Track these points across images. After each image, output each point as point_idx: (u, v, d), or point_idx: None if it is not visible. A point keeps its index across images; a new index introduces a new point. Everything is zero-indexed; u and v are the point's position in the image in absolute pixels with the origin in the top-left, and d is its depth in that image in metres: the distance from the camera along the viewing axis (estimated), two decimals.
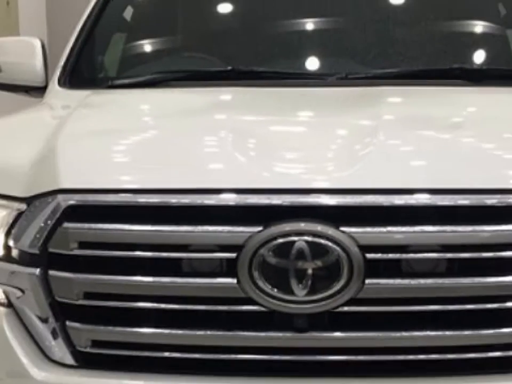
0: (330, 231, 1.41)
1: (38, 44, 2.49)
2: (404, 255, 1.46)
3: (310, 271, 1.41)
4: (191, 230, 1.46)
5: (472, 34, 2.73)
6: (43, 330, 1.51)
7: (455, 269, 1.47)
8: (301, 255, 1.40)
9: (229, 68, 2.42)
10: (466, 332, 1.46)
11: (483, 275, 1.45)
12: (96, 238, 1.49)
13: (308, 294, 1.41)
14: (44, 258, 1.49)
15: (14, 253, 1.53)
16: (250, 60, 2.52)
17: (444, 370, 1.49)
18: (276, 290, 1.42)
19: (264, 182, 1.50)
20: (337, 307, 1.43)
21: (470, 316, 1.47)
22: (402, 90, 2.21)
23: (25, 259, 1.51)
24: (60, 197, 1.50)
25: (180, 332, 1.48)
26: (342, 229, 1.42)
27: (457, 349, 1.47)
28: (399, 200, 1.46)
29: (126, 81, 2.50)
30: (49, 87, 2.45)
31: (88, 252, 1.49)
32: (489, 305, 1.46)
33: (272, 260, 1.41)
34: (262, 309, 1.44)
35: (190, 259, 1.49)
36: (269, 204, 1.46)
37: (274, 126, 1.90)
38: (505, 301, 1.46)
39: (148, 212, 1.50)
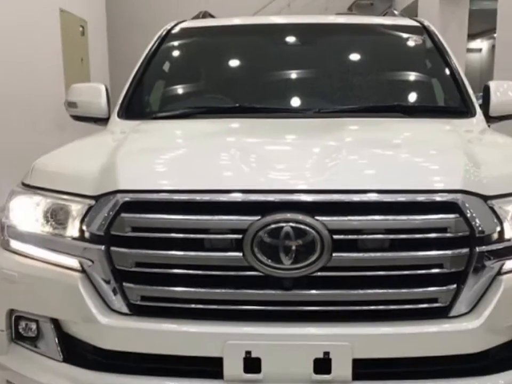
0: (308, 219, 1.42)
1: (103, 88, 2.50)
2: (360, 236, 1.46)
3: (293, 247, 1.41)
4: (210, 219, 1.46)
5: (408, 81, 2.73)
6: (106, 289, 1.51)
7: (396, 246, 1.47)
8: (287, 236, 1.41)
9: (237, 105, 2.43)
10: (403, 290, 1.47)
11: (415, 250, 1.46)
12: (144, 224, 1.49)
13: (292, 263, 1.42)
14: (107, 238, 1.50)
15: (86, 234, 1.53)
16: (251, 99, 2.52)
17: (388, 317, 1.48)
18: (270, 261, 1.42)
19: (262, 184, 1.51)
20: (313, 272, 1.43)
21: (406, 279, 1.47)
22: (359, 120, 2.22)
23: (94, 239, 1.51)
24: (119, 195, 1.51)
25: (202, 290, 1.48)
26: (316, 217, 1.42)
27: (397, 302, 1.48)
28: (356, 197, 1.47)
29: (165, 114, 2.51)
30: (111, 118, 2.45)
31: (138, 234, 1.49)
32: (419, 271, 1.47)
33: (267, 240, 1.42)
34: (260, 274, 1.44)
35: (209, 239, 1.49)
36: (265, 200, 1.46)
37: (268, 146, 1.90)
38: (430, 269, 1.47)
39: (180, 206, 1.50)
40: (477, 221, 1.45)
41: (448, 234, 1.45)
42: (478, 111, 2.40)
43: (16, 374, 1.65)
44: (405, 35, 2.83)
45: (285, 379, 1.46)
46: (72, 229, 1.56)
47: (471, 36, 13.51)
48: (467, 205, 1.46)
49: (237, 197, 1.48)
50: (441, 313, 1.48)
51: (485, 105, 2.45)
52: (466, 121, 2.31)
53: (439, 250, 1.45)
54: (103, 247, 1.50)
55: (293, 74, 2.69)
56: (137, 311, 1.51)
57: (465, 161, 1.61)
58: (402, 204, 1.47)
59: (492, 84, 2.48)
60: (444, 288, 1.47)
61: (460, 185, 1.49)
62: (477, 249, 1.45)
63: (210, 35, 2.93)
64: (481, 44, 16.23)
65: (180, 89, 2.80)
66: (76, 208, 1.57)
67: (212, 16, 3.24)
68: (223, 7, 7.44)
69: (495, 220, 1.48)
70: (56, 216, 1.60)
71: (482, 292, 1.48)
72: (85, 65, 6.40)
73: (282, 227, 1.41)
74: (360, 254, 1.46)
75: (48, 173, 1.73)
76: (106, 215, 1.50)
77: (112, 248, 1.50)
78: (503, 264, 1.49)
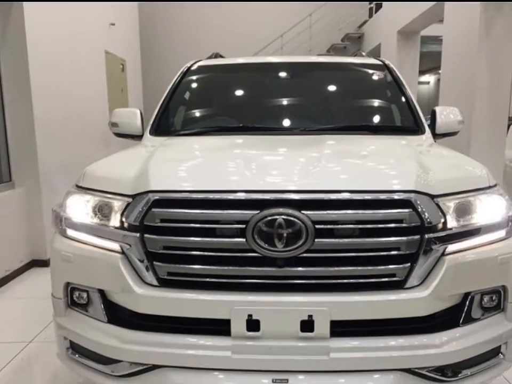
0: (296, 213, 1.42)
1: (138, 112, 2.49)
2: (336, 226, 1.45)
3: (285, 235, 1.41)
4: (220, 212, 1.46)
5: (373, 106, 2.72)
6: (141, 266, 1.51)
7: (364, 233, 1.46)
8: (280, 226, 1.41)
9: (241, 125, 2.42)
10: (369, 267, 1.47)
11: (378, 237, 1.45)
12: (169, 216, 1.49)
13: (284, 247, 1.42)
14: (141, 227, 1.49)
15: (125, 224, 1.52)
16: (252, 120, 2.50)
17: (358, 288, 1.48)
18: (266, 245, 1.42)
19: (260, 186, 1.50)
20: (300, 254, 1.43)
21: (371, 259, 1.47)
22: (335, 137, 2.20)
23: (131, 228, 1.51)
24: (150, 194, 1.51)
25: (214, 267, 1.48)
26: (303, 211, 1.42)
27: (365, 277, 1.47)
28: (333, 196, 1.46)
29: (186, 132, 2.49)
30: (144, 135, 2.44)
31: (165, 224, 1.49)
32: (381, 253, 1.46)
33: (265, 228, 1.42)
34: (259, 255, 1.44)
35: (220, 228, 1.48)
36: (263, 198, 1.45)
37: (265, 156, 1.89)
38: (390, 251, 1.47)
39: (197, 203, 1.49)
40: (426, 214, 1.46)
41: (403, 225, 1.45)
42: (427, 129, 2.39)
43: (71, 332, 1.65)
44: (370, 71, 2.82)
45: (278, 336, 1.45)
46: (114, 220, 1.56)
47: (422, 72, 13.49)
48: (418, 202, 1.46)
49: (241, 195, 1.47)
50: (399, 285, 1.48)
51: (432, 125, 2.45)
52: (418, 137, 2.30)
53: (397, 237, 1.45)
54: (138, 234, 1.50)
55: (284, 101, 2.68)
56: (164, 283, 1.51)
57: (417, 168, 1.60)
58: (368, 201, 1.46)
59: (438, 109, 2.48)
60: (401, 266, 1.47)
61: (413, 187, 1.49)
62: (426, 236, 1.46)
63: (220, 71, 2.92)
64: (429, 77, 16.20)
65: (197, 113, 2.79)
66: (117, 204, 1.57)
67: (222, 56, 3.23)
68: (230, 49, 7.45)
69: (440, 214, 1.48)
70: (102, 211, 1.60)
71: (430, 268, 1.48)
72: (124, 94, 6.37)
73: (276, 219, 1.41)
74: (336, 240, 1.45)
75: (96, 177, 1.72)
76: (140, 209, 1.49)
77: (145, 235, 1.49)
78: (446, 248, 1.49)
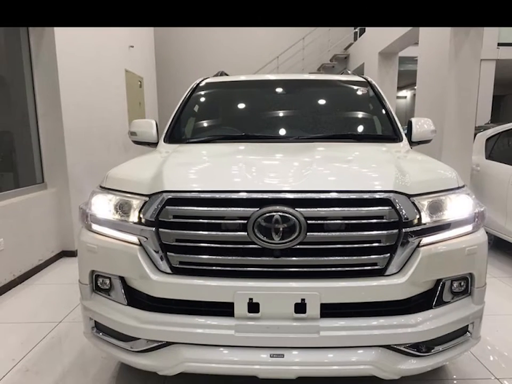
0: (290, 210, 1.42)
1: (154, 122, 2.48)
2: (325, 221, 1.45)
3: (281, 229, 1.41)
4: (225, 209, 1.46)
5: (357, 118, 2.71)
6: (156, 256, 1.51)
7: (349, 228, 1.46)
8: (277, 221, 1.41)
9: (243, 134, 2.41)
10: (354, 257, 1.46)
11: (362, 231, 1.45)
12: (181, 213, 1.48)
13: (280, 239, 1.42)
14: (156, 222, 1.49)
15: (143, 220, 1.52)
16: (253, 130, 2.50)
17: (344, 275, 1.48)
18: (265, 238, 1.42)
19: (260, 187, 1.49)
20: (294, 246, 1.43)
21: (356, 250, 1.46)
22: (324, 144, 2.19)
23: (148, 223, 1.51)
24: (164, 194, 1.50)
25: (220, 257, 1.48)
26: (296, 209, 1.42)
27: (350, 265, 1.47)
28: (323, 195, 1.46)
29: (195, 140, 2.48)
30: (159, 143, 2.44)
31: (177, 220, 1.48)
32: (365, 245, 1.46)
33: (263, 224, 1.41)
34: (258, 246, 1.44)
35: (224, 223, 1.48)
36: (262, 197, 1.45)
37: (264, 161, 1.88)
38: (372, 243, 1.46)
39: (205, 201, 1.49)
40: (403, 211, 1.45)
41: (384, 220, 1.45)
42: (404, 138, 2.39)
43: (95, 313, 1.65)
44: (355, 87, 2.82)
45: (275, 317, 1.45)
46: (133, 217, 1.56)
47: (400, 88, 13.48)
48: (397, 201, 1.46)
49: (243, 195, 1.47)
50: (380, 272, 1.48)
51: (409, 134, 2.45)
52: (396, 144, 2.30)
53: (378, 231, 1.45)
54: (154, 229, 1.49)
55: (281, 113, 2.67)
56: (176, 271, 1.51)
57: (395, 171, 1.60)
58: (353, 200, 1.46)
59: (413, 120, 2.47)
60: (381, 256, 1.47)
61: (392, 187, 1.49)
62: (403, 230, 1.46)
63: (225, 87, 2.92)
64: (406, 93, 16.18)
65: (205, 123, 2.78)
66: (136, 202, 1.56)
67: (226, 74, 3.23)
68: (234, 68, 7.45)
69: (415, 211, 1.48)
70: (122, 208, 1.60)
71: (406, 258, 1.48)
72: (141, 107, 6.37)
73: (273, 215, 1.41)
74: (326, 233, 1.45)
75: (117, 179, 1.72)
76: (156, 207, 1.49)
77: (160, 229, 1.49)
78: (420, 240, 1.49)
